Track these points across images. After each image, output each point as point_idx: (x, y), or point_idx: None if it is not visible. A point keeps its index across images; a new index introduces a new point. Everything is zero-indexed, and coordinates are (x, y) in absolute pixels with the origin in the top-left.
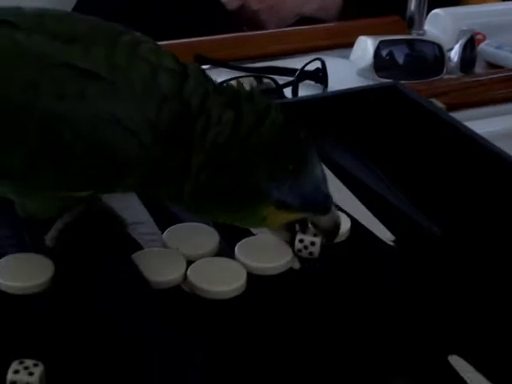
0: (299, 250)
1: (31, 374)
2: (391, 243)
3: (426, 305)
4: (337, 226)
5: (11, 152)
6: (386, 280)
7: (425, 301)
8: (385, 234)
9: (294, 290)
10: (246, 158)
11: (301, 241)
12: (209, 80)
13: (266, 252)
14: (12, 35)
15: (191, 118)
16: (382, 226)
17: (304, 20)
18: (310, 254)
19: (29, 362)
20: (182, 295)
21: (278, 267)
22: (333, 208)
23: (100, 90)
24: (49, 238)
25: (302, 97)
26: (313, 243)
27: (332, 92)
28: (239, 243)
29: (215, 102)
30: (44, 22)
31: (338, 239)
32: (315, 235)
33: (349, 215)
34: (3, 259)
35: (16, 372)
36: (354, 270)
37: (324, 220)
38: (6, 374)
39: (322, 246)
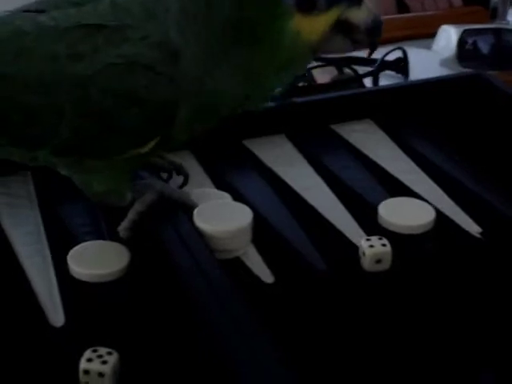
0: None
1: (105, 362)
2: (478, 236)
3: None
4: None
5: (58, 127)
6: (473, 274)
7: None
8: (471, 227)
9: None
10: None
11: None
12: None
13: None
14: (35, 18)
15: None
16: (468, 218)
17: None
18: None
19: (103, 351)
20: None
21: None
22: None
23: (108, 38)
24: (122, 229)
25: (383, 86)
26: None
27: (415, 81)
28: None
29: None
30: None
31: (422, 230)
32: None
33: (433, 206)
34: (79, 247)
35: (89, 360)
36: (439, 264)
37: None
38: (79, 362)
39: None
